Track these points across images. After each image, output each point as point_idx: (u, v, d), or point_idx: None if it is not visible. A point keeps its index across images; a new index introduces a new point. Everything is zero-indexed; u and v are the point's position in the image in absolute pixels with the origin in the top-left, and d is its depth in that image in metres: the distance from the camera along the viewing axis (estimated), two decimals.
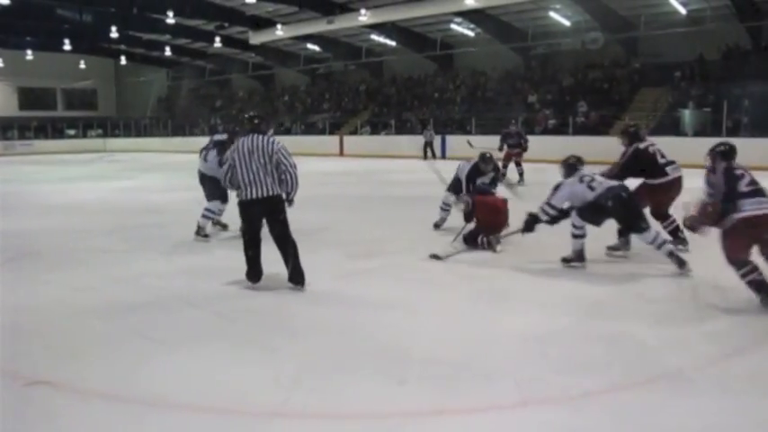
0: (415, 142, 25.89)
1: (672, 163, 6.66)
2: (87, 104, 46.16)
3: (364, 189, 14.27)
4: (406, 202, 11.64)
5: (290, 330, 4.37)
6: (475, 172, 8.24)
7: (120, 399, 3.32)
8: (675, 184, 6.58)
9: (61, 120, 42.03)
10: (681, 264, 5.77)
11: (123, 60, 41.76)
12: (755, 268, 4.78)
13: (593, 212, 6.02)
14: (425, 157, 24.82)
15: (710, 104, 21.08)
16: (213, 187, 7.58)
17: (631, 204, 6.02)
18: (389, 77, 34.47)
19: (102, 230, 8.51)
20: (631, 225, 6.06)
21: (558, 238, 6.99)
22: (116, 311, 4.82)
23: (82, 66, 41.64)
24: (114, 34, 31.88)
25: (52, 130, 39.92)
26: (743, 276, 4.80)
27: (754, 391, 3.33)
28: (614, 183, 6.09)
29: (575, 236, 6.12)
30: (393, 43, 31.69)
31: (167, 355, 3.94)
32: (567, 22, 26.65)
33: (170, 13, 28.52)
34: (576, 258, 6.11)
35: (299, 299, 5.19)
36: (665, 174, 6.55)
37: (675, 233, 6.63)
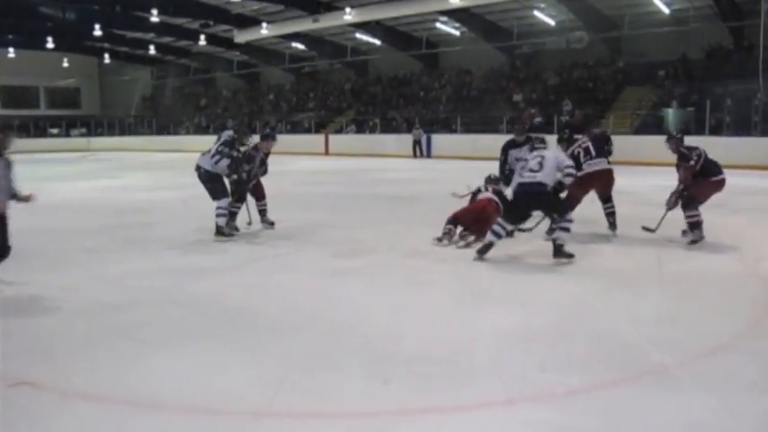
0: (401, 141, 25.95)
1: (593, 158, 7.39)
2: (70, 103, 45.77)
3: (350, 188, 14.26)
4: (391, 200, 11.65)
5: (275, 330, 4.36)
6: (509, 144, 8.51)
7: (105, 399, 3.30)
8: (594, 176, 7.35)
9: (44, 118, 41.68)
10: (558, 253, 6.16)
11: (107, 59, 41.47)
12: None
13: (510, 209, 6.58)
14: (415, 155, 24.93)
15: (694, 103, 21.27)
16: (221, 185, 7.56)
17: (531, 199, 6.34)
18: (375, 76, 34.49)
19: (87, 230, 8.44)
20: (545, 213, 6.71)
21: (541, 238, 7.05)
22: (100, 312, 4.78)
23: (65, 64, 41.30)
24: (98, 32, 31.59)
25: (35, 128, 39.55)
26: (694, 216, 6.77)
27: (737, 388, 3.35)
28: (530, 179, 6.26)
29: (491, 230, 6.40)
30: (378, 42, 31.71)
31: (152, 355, 3.91)
32: (551, 22, 26.80)
33: (154, 12, 28.37)
34: (481, 250, 6.36)
35: (283, 298, 5.18)
36: (582, 168, 7.26)
37: (610, 217, 7.60)
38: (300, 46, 34.40)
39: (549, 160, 6.31)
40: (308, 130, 31.76)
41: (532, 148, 6.68)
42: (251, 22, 31.01)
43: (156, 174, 19.18)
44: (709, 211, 7.16)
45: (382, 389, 3.38)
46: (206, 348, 4.01)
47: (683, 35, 23.04)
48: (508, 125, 22.20)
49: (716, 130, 19.34)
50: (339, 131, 30.86)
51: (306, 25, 29.32)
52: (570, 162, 6.62)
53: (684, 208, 6.92)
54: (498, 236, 6.32)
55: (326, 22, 28.42)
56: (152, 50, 38.62)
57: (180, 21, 32.69)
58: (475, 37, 28.78)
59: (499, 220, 6.41)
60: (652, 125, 21.48)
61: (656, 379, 3.49)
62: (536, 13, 26.33)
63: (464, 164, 18.29)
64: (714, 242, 6.99)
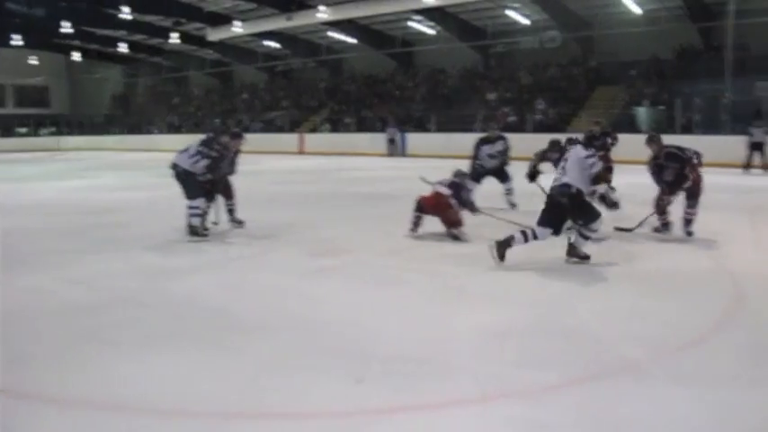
0: (375, 140, 25.93)
1: None
2: (39, 101, 44.93)
3: (325, 187, 14.22)
4: (366, 199, 11.64)
5: (248, 330, 4.32)
6: (482, 141, 8.61)
7: (77, 404, 3.24)
8: None
9: (12, 117, 40.91)
10: (572, 252, 6.09)
11: (77, 56, 40.74)
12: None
13: (544, 212, 6.11)
14: (390, 153, 24.98)
15: (664, 102, 21.59)
16: (197, 185, 7.47)
17: (557, 201, 6.00)
18: (349, 75, 34.44)
19: (58, 231, 8.31)
20: (571, 219, 6.12)
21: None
22: (70, 314, 4.70)
23: (33, 61, 40.50)
24: (67, 29, 31.06)
25: (2, 128, 38.83)
26: (696, 213, 7.09)
27: (708, 381, 3.40)
28: (557, 182, 6.01)
29: (521, 231, 6.11)
30: (352, 41, 31.66)
31: (121, 357, 3.84)
32: (525, 21, 26.97)
33: (125, 9, 27.98)
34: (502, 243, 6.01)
35: (258, 298, 5.14)
36: None
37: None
38: (274, 44, 34.22)
39: (570, 161, 6.05)
40: (281, 129, 31.61)
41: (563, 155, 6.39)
42: (224, 20, 30.80)
43: (129, 173, 18.96)
44: (679, 208, 7.27)
45: (357, 388, 3.36)
46: (180, 349, 3.95)
47: (654, 35, 23.35)
48: (482, 124, 22.29)
49: (686, 129, 19.62)
50: (313, 130, 30.76)
51: (279, 23, 29.21)
52: (588, 152, 6.19)
53: (692, 207, 7.13)
54: (525, 238, 5.98)
55: (300, 20, 28.33)
56: (123, 48, 38.04)
57: (151, 18, 32.31)
58: (449, 36, 28.88)
59: (536, 228, 6.07)
60: (624, 124, 21.71)
61: (629, 374, 3.53)
62: (510, 12, 26.48)
63: (438, 162, 18.30)
64: (685, 239, 7.10)
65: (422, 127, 27.05)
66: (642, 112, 22.12)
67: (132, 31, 34.89)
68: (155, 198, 11.33)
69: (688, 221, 7.18)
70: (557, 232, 6.08)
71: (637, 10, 23.81)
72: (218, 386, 3.41)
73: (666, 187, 7.19)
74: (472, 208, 7.53)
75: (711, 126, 19.69)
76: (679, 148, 7.17)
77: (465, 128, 23.58)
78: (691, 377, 3.46)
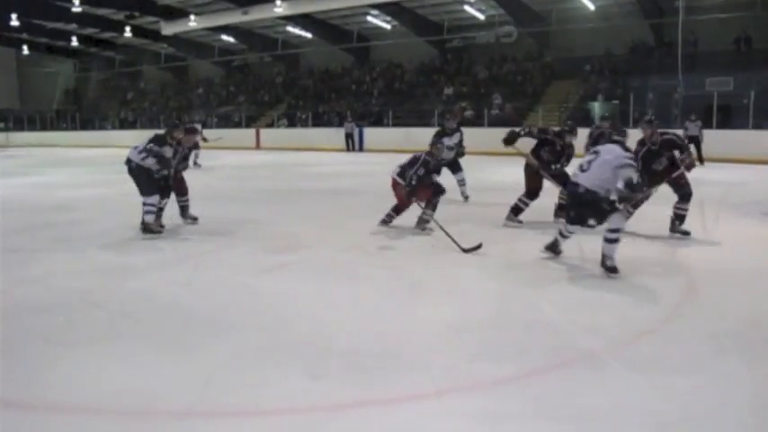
0: (333, 135, 25.84)
1: None
2: None
3: (281, 182, 14.13)
4: (324, 194, 11.59)
5: (203, 328, 4.25)
6: (441, 133, 8.67)
7: (23, 405, 3.15)
8: None
9: None
10: (602, 263, 5.59)
11: (26, 50, 39.67)
12: None
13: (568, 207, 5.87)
14: (348, 148, 24.91)
15: (618, 97, 22.00)
16: (151, 181, 7.33)
17: (570, 200, 5.80)
18: (306, 70, 34.26)
19: (9, 229, 8.06)
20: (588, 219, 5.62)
21: (473, 227, 7.13)
22: (21, 314, 4.57)
23: None
24: (15, 22, 30.19)
25: None
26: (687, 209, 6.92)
27: (662, 370, 3.46)
28: (573, 179, 5.64)
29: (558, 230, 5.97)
30: (309, 35, 31.50)
31: (72, 358, 3.75)
32: (481, 16, 27.21)
33: (76, 1, 27.32)
34: (549, 246, 5.99)
35: (215, 295, 5.07)
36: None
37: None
38: (230, 39, 33.85)
39: (598, 161, 5.44)
40: (238, 125, 31.30)
41: (594, 143, 6.04)
42: (178, 13, 30.28)
43: (81, 170, 18.54)
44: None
45: (315, 384, 3.34)
46: (135, 349, 3.88)
47: (608, 31, 23.80)
48: (439, 118, 22.42)
49: (640, 123, 20.02)
50: (270, 125, 30.51)
51: (235, 18, 28.88)
52: (625, 156, 5.41)
53: (684, 201, 6.95)
54: (563, 236, 5.90)
55: (256, 14, 28.04)
56: (74, 42, 37.17)
57: (103, 11, 31.59)
58: (406, 31, 28.95)
59: (562, 225, 5.97)
60: (579, 118, 22.06)
61: (585, 364, 3.57)
62: (466, 7, 26.65)
63: (396, 157, 18.32)
64: (638, 231, 7.22)
65: (379, 122, 27.06)
66: (597, 107, 22.50)
67: (84, 24, 34.05)
68: (108, 195, 11.12)
69: (682, 218, 6.99)
70: (575, 222, 5.71)
71: (590, 6, 24.21)
72: (175, 385, 3.35)
73: (648, 178, 6.55)
74: (409, 185, 7.35)
75: (664, 120, 20.10)
76: (676, 135, 6.90)
77: (422, 122, 23.70)
78: (647, 367, 3.52)
